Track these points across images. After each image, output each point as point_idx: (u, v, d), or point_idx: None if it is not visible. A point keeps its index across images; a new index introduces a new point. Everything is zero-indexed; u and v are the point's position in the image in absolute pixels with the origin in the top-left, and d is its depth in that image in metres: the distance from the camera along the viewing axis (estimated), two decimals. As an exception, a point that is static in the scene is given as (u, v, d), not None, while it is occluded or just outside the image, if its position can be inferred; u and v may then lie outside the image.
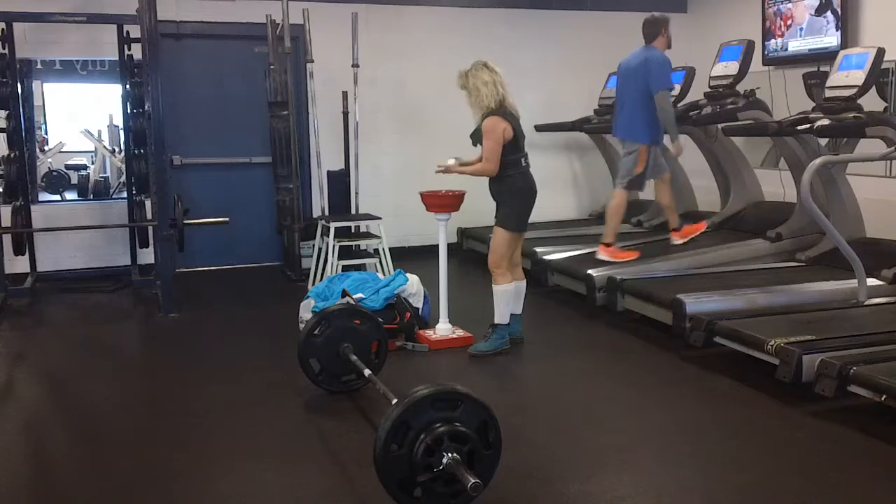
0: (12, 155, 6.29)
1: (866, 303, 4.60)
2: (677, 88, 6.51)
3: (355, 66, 6.64)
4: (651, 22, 5.74)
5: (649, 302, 4.91)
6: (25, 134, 6.64)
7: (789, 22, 6.89)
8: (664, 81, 5.61)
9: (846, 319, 4.37)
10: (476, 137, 4.55)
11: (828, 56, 6.05)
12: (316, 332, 3.87)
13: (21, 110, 6.47)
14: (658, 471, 3.16)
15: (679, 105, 6.43)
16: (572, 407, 3.88)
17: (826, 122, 4.96)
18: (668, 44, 5.74)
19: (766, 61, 7.07)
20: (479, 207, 7.12)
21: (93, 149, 10.00)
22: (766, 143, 6.75)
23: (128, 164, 6.89)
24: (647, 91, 5.62)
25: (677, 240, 6.03)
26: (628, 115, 5.79)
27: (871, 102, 5.26)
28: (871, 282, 4.77)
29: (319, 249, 6.21)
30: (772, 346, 3.80)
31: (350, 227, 6.30)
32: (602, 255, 5.79)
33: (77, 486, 3.12)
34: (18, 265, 6.45)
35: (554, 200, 8.12)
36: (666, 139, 5.82)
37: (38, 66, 7.63)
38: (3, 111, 6.40)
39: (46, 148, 9.81)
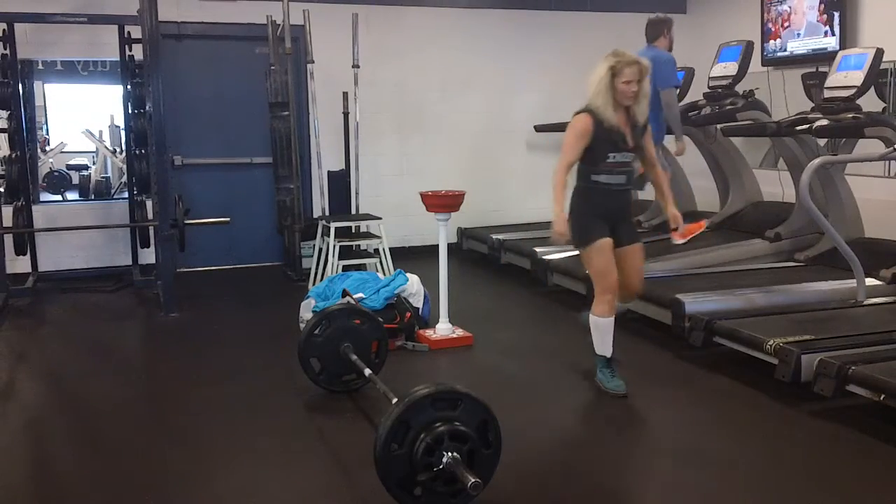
0: (14, 155, 6.31)
1: (865, 302, 4.61)
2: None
3: (355, 66, 6.65)
4: (654, 23, 5.76)
5: (649, 302, 4.91)
6: (27, 134, 6.64)
7: (787, 23, 6.91)
8: (671, 79, 5.64)
9: (845, 319, 4.38)
10: (638, 138, 3.87)
11: (826, 56, 6.06)
12: (316, 331, 3.89)
13: (22, 111, 6.47)
14: (658, 470, 3.18)
15: (678, 106, 6.45)
16: (572, 406, 3.89)
17: (825, 122, 4.97)
18: (670, 45, 5.77)
19: (765, 62, 7.08)
20: (479, 207, 7.23)
21: (94, 149, 10.01)
22: (764, 144, 6.76)
23: (129, 165, 6.90)
24: (653, 90, 5.61)
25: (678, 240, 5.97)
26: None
27: (870, 103, 5.28)
28: (870, 281, 4.78)
29: (320, 249, 6.22)
30: (771, 345, 3.81)
31: (350, 227, 6.31)
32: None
33: (77, 486, 3.13)
34: (20, 265, 6.46)
35: (554, 200, 8.13)
36: (669, 138, 5.81)
37: (40, 66, 7.64)
38: (4, 111, 6.42)
39: (48, 148, 9.81)
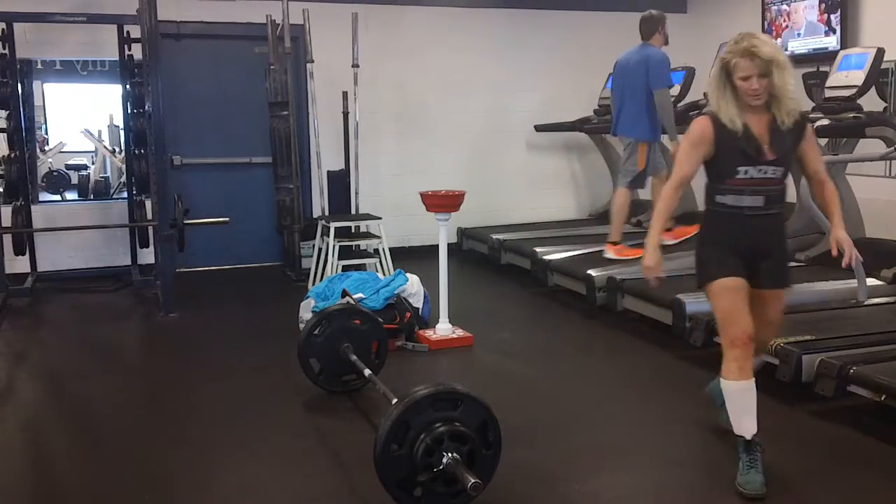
0: (13, 155, 6.30)
1: (866, 303, 4.60)
2: (677, 88, 6.52)
3: (355, 66, 6.64)
4: (648, 19, 5.76)
5: (649, 302, 4.91)
6: (26, 134, 6.63)
7: (787, 23, 6.90)
8: (664, 79, 5.64)
9: (846, 319, 4.37)
10: (785, 147, 2.91)
11: (827, 56, 6.05)
12: (316, 331, 3.88)
13: (21, 110, 6.46)
14: (658, 471, 3.17)
15: (679, 105, 6.44)
16: (572, 407, 3.88)
17: (826, 122, 4.96)
18: (665, 41, 5.78)
19: (766, 61, 7.07)
20: (479, 207, 7.22)
21: (93, 149, 10.00)
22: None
23: (128, 164, 6.90)
24: (647, 88, 5.64)
25: (668, 240, 5.97)
26: (630, 113, 5.80)
27: (871, 102, 5.27)
28: (871, 282, 4.77)
29: (319, 249, 6.21)
30: (772, 346, 3.79)
31: (350, 227, 6.30)
32: (609, 253, 5.79)
33: (77, 486, 3.13)
34: (19, 265, 6.45)
35: (554, 200, 8.14)
36: (665, 138, 5.83)
37: (39, 66, 7.64)
38: (3, 111, 6.41)
39: (47, 148, 9.80)
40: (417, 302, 4.94)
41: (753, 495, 2.84)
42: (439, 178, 6.57)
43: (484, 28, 7.73)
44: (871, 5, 6.28)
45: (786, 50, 6.93)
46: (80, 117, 9.84)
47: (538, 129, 7.84)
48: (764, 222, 2.97)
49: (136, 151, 6.53)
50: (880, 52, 4.97)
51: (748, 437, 2.90)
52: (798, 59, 6.73)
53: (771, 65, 2.78)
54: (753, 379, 2.91)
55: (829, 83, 5.15)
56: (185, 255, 6.28)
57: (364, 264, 6.20)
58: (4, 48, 6.27)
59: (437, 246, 4.87)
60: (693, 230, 5.87)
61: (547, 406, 3.87)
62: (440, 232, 4.83)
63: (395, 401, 2.74)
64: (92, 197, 9.01)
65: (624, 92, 5.86)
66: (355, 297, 4.65)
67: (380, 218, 6.26)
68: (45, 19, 6.18)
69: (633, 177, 5.86)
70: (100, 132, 9.99)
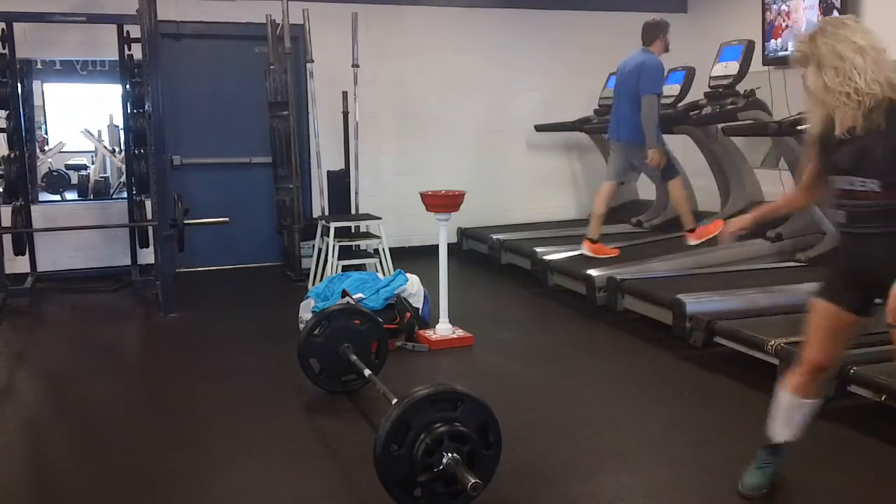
0: (12, 155, 6.30)
1: (866, 303, 4.59)
2: (676, 89, 6.53)
3: (355, 66, 6.64)
4: (651, 25, 5.81)
5: (649, 302, 4.91)
6: (25, 134, 6.64)
7: (787, 23, 6.89)
8: (654, 85, 5.68)
9: (846, 319, 4.35)
10: (866, 156, 2.43)
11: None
12: (316, 332, 3.87)
13: (21, 110, 6.47)
14: (658, 471, 3.16)
15: (679, 105, 6.45)
16: (572, 407, 3.87)
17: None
18: (666, 48, 5.81)
19: (766, 61, 7.06)
20: (479, 207, 7.22)
21: (93, 149, 10.01)
22: (765, 143, 6.75)
23: (128, 164, 6.89)
24: (636, 95, 5.69)
25: (587, 248, 5.91)
26: (624, 117, 5.82)
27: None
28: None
29: (319, 249, 6.21)
30: (772, 346, 3.80)
31: (350, 227, 6.30)
32: (691, 241, 5.79)
33: (77, 486, 3.12)
34: (18, 265, 6.45)
35: (554, 200, 8.14)
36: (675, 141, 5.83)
37: (39, 65, 7.65)
38: (3, 111, 6.41)
39: (46, 148, 9.81)
40: (417, 302, 4.93)
41: (753, 496, 2.88)
42: (439, 178, 6.57)
43: (484, 28, 7.72)
44: (871, 5, 6.27)
45: (786, 49, 6.93)
46: (80, 117, 9.84)
47: (538, 129, 7.84)
48: (854, 242, 2.57)
49: (136, 151, 6.52)
50: (881, 52, 4.96)
51: (776, 441, 2.87)
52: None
53: (806, 62, 2.45)
54: (814, 400, 2.80)
55: (829, 83, 5.14)
56: (185, 255, 6.28)
57: (364, 264, 6.20)
58: (4, 48, 6.27)
59: (437, 246, 4.87)
60: (717, 226, 5.79)
61: (547, 406, 3.87)
62: (440, 232, 4.82)
63: (395, 401, 2.74)
64: (92, 197, 9.02)
65: (621, 97, 5.90)
66: (355, 297, 4.65)
67: (380, 218, 6.26)
68: (44, 19, 6.18)
69: (664, 170, 5.83)
70: (100, 132, 10.00)
